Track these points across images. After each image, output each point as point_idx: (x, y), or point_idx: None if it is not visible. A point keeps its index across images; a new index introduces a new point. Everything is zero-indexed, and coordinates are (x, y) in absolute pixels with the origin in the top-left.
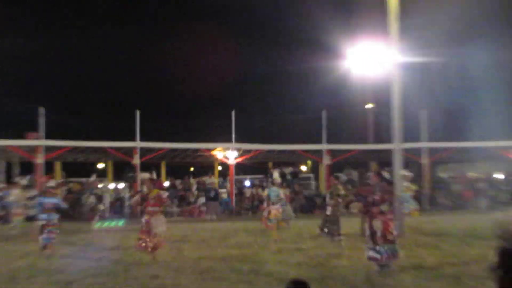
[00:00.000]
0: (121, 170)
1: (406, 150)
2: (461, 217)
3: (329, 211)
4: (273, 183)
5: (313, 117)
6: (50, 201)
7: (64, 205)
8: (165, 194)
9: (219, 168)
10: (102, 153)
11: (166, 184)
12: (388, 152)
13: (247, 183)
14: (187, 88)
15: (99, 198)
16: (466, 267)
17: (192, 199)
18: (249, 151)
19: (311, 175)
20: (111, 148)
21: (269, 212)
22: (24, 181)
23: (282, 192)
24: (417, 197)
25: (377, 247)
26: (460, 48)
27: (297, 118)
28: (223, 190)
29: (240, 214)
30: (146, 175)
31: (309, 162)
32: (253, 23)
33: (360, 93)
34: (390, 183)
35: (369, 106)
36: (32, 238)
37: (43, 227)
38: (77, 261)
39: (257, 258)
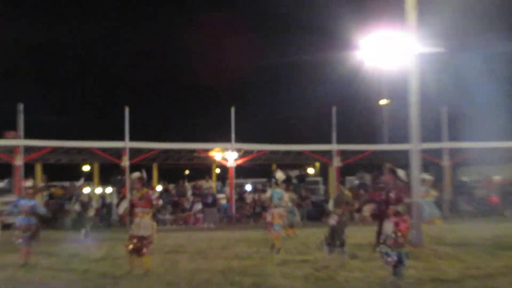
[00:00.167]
0: (109, 173)
1: (425, 151)
2: (485, 225)
3: (334, 220)
4: (277, 184)
5: (322, 114)
6: (27, 203)
7: (42, 210)
8: (154, 194)
9: (217, 171)
10: (87, 154)
11: (159, 188)
12: (405, 153)
13: (248, 187)
14: (182, 83)
15: (84, 205)
16: (491, 281)
17: (187, 206)
18: (250, 152)
19: (319, 178)
20: (98, 148)
21: (273, 216)
22: (0, 185)
23: (288, 196)
24: (438, 203)
25: (388, 251)
26: (487, 37)
27: (304, 116)
28: (222, 196)
29: (241, 222)
30: (136, 174)
31: (317, 164)
32: (254, 10)
33: (374, 88)
34: (405, 183)
35: (384, 102)
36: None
37: (18, 231)
38: (60, 273)
39: (259, 271)
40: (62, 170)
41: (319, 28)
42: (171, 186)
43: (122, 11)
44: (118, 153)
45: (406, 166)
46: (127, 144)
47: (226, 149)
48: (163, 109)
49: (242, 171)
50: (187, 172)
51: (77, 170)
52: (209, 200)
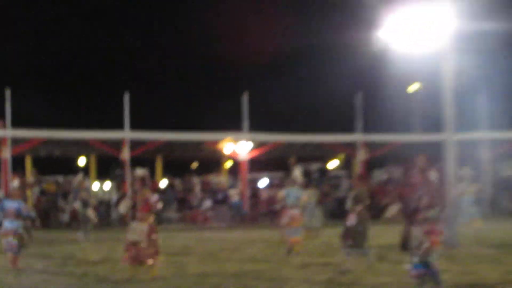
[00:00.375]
0: (107, 167)
1: (462, 143)
2: None
3: (352, 220)
4: (293, 182)
5: (345, 101)
6: (12, 205)
7: (27, 212)
8: (154, 198)
9: (228, 164)
10: (83, 146)
11: (163, 184)
12: (439, 144)
13: (263, 183)
14: (189, 66)
15: (86, 202)
16: None
17: (195, 203)
18: (265, 143)
19: (342, 173)
20: (94, 139)
21: (290, 219)
22: None
23: (309, 194)
24: (477, 201)
25: (415, 259)
26: None
27: (325, 103)
28: (234, 192)
29: (255, 221)
30: (140, 172)
31: (340, 157)
32: None
33: (404, 72)
34: (440, 183)
35: (414, 87)
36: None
37: (3, 237)
38: (54, 277)
39: (276, 275)
40: (55, 164)
41: (342, 6)
42: (177, 181)
43: None
44: (117, 144)
45: (440, 160)
46: (127, 134)
47: (238, 140)
48: (168, 95)
49: (256, 165)
50: (194, 165)
51: (71, 164)
52: (220, 196)
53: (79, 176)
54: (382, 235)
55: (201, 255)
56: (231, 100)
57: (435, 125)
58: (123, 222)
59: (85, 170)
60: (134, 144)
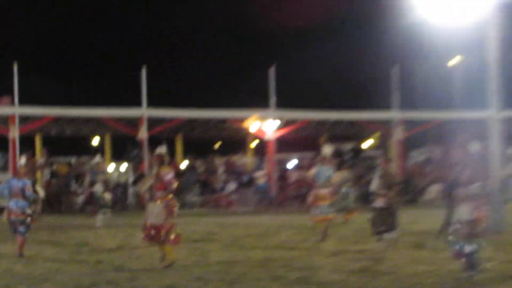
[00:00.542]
0: (123, 147)
1: (508, 120)
2: None
3: (381, 203)
4: (323, 160)
5: (380, 75)
6: (17, 184)
7: (30, 192)
8: (168, 175)
9: (254, 144)
10: (96, 124)
11: (184, 165)
12: (483, 122)
13: (292, 164)
14: (210, 36)
15: (107, 184)
16: None
17: (218, 186)
18: (294, 121)
19: (377, 153)
20: (109, 117)
21: (316, 197)
22: None
23: (342, 176)
24: None
25: (461, 242)
26: None
27: (359, 77)
28: (260, 174)
29: (283, 205)
30: (162, 149)
31: (375, 136)
32: None
33: (444, 44)
34: (482, 159)
35: (456, 61)
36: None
37: (9, 215)
38: (67, 266)
39: (306, 263)
40: (67, 144)
41: None
42: (199, 163)
43: None
44: (134, 122)
45: (484, 139)
46: (144, 111)
47: (264, 118)
48: (188, 69)
49: (284, 145)
50: (217, 145)
51: (84, 144)
52: (245, 179)
53: (97, 158)
54: (421, 220)
55: (224, 242)
56: (257, 75)
57: (479, 101)
58: (140, 206)
59: (99, 150)
60: (152, 123)
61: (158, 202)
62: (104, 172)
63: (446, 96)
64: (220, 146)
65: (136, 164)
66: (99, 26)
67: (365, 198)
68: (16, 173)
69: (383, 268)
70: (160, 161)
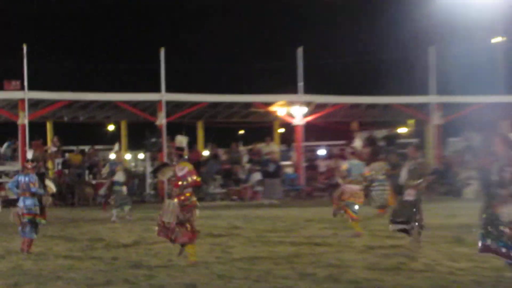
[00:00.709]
0: (140, 134)
1: None
2: None
3: (410, 195)
4: (355, 154)
5: (416, 56)
6: (24, 179)
7: (35, 188)
8: (183, 170)
9: (281, 130)
10: (112, 110)
11: (206, 153)
12: None
13: (322, 152)
14: (234, 16)
15: (131, 175)
16: None
17: (242, 176)
18: (324, 106)
19: (414, 140)
20: (125, 102)
21: (343, 193)
22: (3, 149)
23: (376, 168)
24: None
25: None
26: None
27: (393, 58)
28: (287, 163)
29: (312, 196)
30: (182, 138)
31: (411, 121)
32: None
33: (485, 22)
34: None
35: (497, 40)
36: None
37: (18, 215)
38: (80, 262)
39: (337, 260)
40: (80, 131)
41: None
42: (222, 151)
43: None
44: (152, 108)
45: None
46: (163, 96)
47: (292, 103)
48: (209, 50)
49: (313, 132)
50: (241, 132)
51: (99, 131)
52: (271, 168)
53: (116, 146)
54: (460, 213)
55: (249, 237)
56: (283, 57)
57: None
58: (159, 198)
59: (115, 137)
60: (172, 108)
61: (175, 200)
62: (122, 162)
63: (487, 79)
64: (244, 133)
65: (154, 152)
66: (114, 5)
67: (399, 190)
68: (23, 168)
69: (418, 265)
70: (180, 155)
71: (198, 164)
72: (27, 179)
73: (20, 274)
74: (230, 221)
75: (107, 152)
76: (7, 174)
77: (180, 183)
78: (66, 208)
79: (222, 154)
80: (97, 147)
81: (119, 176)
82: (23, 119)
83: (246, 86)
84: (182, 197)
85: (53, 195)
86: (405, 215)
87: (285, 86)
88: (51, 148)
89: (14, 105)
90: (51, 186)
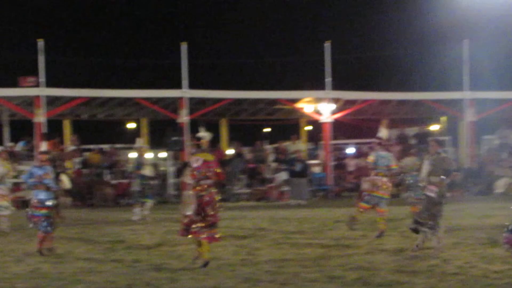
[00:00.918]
0: (161, 133)
1: None
2: None
3: (432, 192)
4: (381, 145)
5: (448, 50)
6: (39, 172)
7: (50, 181)
8: (198, 161)
9: (308, 128)
10: (132, 107)
11: (230, 152)
12: None
13: (351, 150)
14: (259, 9)
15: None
16: None
17: (268, 175)
18: (352, 102)
19: (446, 138)
20: (146, 99)
21: (372, 184)
22: (18, 147)
23: (408, 163)
24: None
25: None
26: None
27: (424, 52)
28: (315, 162)
29: (341, 196)
30: (206, 135)
31: (444, 118)
32: None
33: None
34: None
35: None
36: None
37: (31, 208)
38: (101, 265)
39: (366, 263)
40: (99, 129)
41: None
42: (246, 150)
43: None
44: (173, 105)
45: None
46: (185, 92)
47: (319, 99)
48: (233, 45)
49: (342, 129)
50: (267, 130)
51: (118, 129)
52: (298, 168)
53: (139, 141)
54: (494, 213)
55: (275, 238)
56: (311, 52)
57: None
58: (181, 198)
59: (135, 136)
60: (194, 105)
61: (190, 192)
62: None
63: None
64: (270, 131)
65: (176, 151)
66: (135, 2)
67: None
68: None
69: (450, 267)
70: (198, 146)
71: (221, 163)
72: (41, 171)
73: (39, 277)
74: (255, 222)
75: (127, 151)
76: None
77: (195, 173)
78: (85, 209)
79: (247, 152)
80: (116, 146)
81: (148, 171)
82: (39, 117)
83: (271, 82)
84: (199, 188)
85: (71, 195)
86: (426, 215)
87: (312, 82)
88: (69, 147)
89: (29, 102)
90: (66, 181)
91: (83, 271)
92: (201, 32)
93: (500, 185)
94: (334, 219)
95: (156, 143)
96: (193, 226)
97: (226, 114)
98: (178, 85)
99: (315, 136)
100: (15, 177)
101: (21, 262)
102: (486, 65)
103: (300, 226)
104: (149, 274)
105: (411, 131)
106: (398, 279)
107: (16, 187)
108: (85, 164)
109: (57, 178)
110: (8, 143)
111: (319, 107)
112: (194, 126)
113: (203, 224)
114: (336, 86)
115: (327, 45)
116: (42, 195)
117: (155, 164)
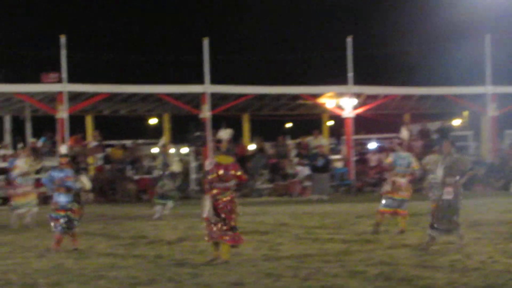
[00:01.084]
0: (183, 128)
1: None
2: None
3: (449, 194)
4: (401, 145)
5: (470, 44)
6: (58, 175)
7: (71, 183)
8: (211, 164)
9: (330, 123)
10: (154, 103)
11: (252, 147)
12: None
13: (373, 145)
14: (280, 5)
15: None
16: None
17: (290, 170)
18: (374, 97)
19: (468, 133)
20: (168, 94)
21: (393, 186)
22: (39, 144)
23: (429, 161)
24: None
25: None
26: None
27: (446, 47)
28: (337, 157)
29: (363, 191)
30: (226, 134)
31: (465, 113)
32: None
33: None
34: None
35: None
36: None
37: (52, 210)
38: (123, 261)
39: (388, 258)
40: (121, 125)
41: None
42: (268, 145)
43: None
44: (195, 100)
45: None
46: (207, 88)
47: (341, 94)
48: (256, 41)
49: (364, 124)
50: (289, 125)
51: (141, 125)
52: (320, 163)
53: (163, 139)
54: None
55: (297, 233)
56: (333, 47)
57: None
58: (204, 194)
59: (157, 131)
60: (216, 100)
61: (207, 195)
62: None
63: None
64: (292, 126)
65: (198, 147)
66: None
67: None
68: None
69: (472, 262)
70: (217, 147)
71: (243, 158)
72: (62, 174)
73: (62, 273)
74: (277, 218)
75: (149, 146)
76: (46, 170)
77: (209, 177)
78: (108, 204)
79: (269, 148)
80: (139, 141)
81: (175, 167)
82: (62, 113)
83: (293, 77)
84: (214, 191)
85: (93, 191)
86: (445, 221)
87: (334, 77)
88: (91, 142)
89: (52, 98)
90: (86, 183)
91: (105, 266)
92: (223, 28)
93: None
94: (356, 214)
95: (178, 139)
96: (214, 229)
97: (248, 110)
98: (200, 81)
99: (337, 131)
100: (38, 173)
101: (43, 258)
102: (508, 59)
103: (322, 221)
104: (171, 270)
105: (433, 126)
106: (419, 274)
107: (38, 183)
108: (107, 159)
109: (77, 177)
110: (31, 139)
111: (341, 102)
112: (216, 122)
113: (225, 227)
114: (358, 81)
115: (349, 39)
116: (62, 197)
117: (182, 160)
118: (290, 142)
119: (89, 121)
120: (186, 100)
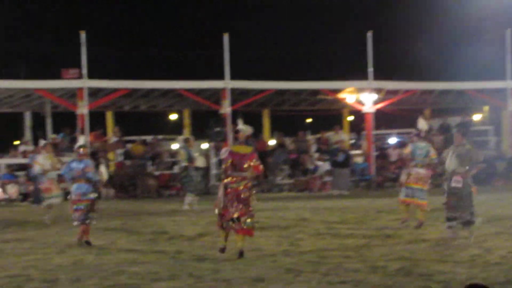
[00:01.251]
0: (204, 124)
1: None
2: None
3: (458, 182)
4: (419, 136)
5: (491, 39)
6: (78, 166)
7: (92, 174)
8: (225, 153)
9: (350, 118)
10: (174, 98)
11: (272, 143)
12: None
13: (393, 140)
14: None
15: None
16: None
17: (310, 166)
18: (395, 92)
19: (489, 127)
20: (188, 90)
21: (409, 177)
22: (59, 140)
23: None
24: None
25: None
26: None
27: (466, 42)
28: (357, 152)
29: (383, 186)
30: (245, 128)
31: (486, 108)
32: None
33: None
34: None
35: None
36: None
37: (72, 204)
38: (143, 256)
39: (409, 253)
40: (141, 121)
41: None
42: (288, 140)
43: None
44: (216, 96)
45: None
46: (227, 83)
47: (361, 89)
48: (276, 35)
49: (384, 119)
50: (309, 120)
51: (161, 120)
52: (340, 158)
53: (184, 133)
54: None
55: (317, 229)
56: (352, 41)
57: None
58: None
59: (178, 127)
60: (236, 96)
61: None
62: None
63: None
64: (312, 122)
65: (218, 142)
66: None
67: (475, 178)
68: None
69: (493, 257)
70: (235, 137)
71: (264, 154)
72: (81, 165)
73: (82, 269)
74: (298, 213)
75: (170, 142)
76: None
77: (223, 165)
78: (128, 200)
79: (289, 143)
80: (159, 137)
81: (200, 162)
82: (82, 109)
83: (314, 73)
84: (227, 180)
85: (114, 186)
86: (459, 210)
87: (355, 72)
88: (112, 138)
89: (72, 94)
90: (104, 173)
91: (126, 262)
92: (244, 23)
93: None
94: (376, 209)
95: (198, 134)
96: (225, 219)
97: (268, 105)
98: (220, 76)
99: (357, 126)
100: (59, 169)
101: (64, 254)
102: None
103: (342, 216)
104: (192, 265)
105: (453, 121)
106: (440, 269)
107: (60, 178)
108: (127, 155)
109: (96, 170)
110: (51, 135)
111: (362, 97)
112: (237, 117)
113: (236, 215)
114: (379, 76)
115: (369, 34)
116: (83, 188)
117: (205, 154)
118: (310, 137)
119: (109, 117)
120: (206, 96)
